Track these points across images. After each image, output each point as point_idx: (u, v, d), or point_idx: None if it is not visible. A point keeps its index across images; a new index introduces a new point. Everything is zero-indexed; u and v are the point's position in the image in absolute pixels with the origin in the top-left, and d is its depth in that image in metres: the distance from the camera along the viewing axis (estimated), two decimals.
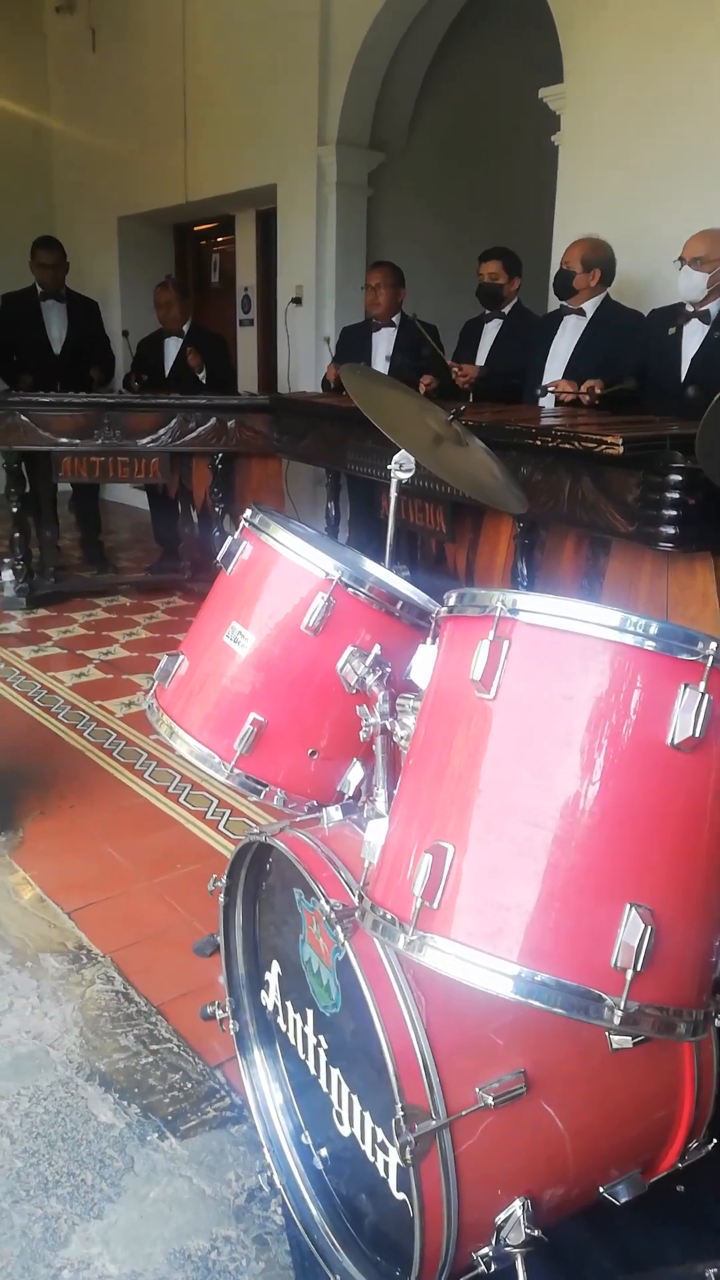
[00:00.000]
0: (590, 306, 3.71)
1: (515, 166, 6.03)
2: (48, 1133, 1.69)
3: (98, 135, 7.56)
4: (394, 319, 4.54)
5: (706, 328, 3.27)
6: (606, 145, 4.14)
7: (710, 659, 1.01)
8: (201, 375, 5.04)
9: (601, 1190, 1.29)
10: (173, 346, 5.23)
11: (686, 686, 1.01)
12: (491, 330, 4.25)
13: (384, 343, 4.55)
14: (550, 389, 3.57)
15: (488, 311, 4.28)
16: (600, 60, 4.12)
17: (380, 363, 4.52)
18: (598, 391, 3.35)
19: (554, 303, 3.99)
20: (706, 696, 1.00)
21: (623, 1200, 1.30)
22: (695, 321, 3.29)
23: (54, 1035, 1.93)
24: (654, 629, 1.02)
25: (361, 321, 4.82)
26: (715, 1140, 1.38)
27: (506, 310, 4.23)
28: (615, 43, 4.05)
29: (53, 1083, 1.81)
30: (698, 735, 1.00)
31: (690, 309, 3.29)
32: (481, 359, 4.22)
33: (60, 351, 5.25)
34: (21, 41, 7.84)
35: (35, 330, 5.20)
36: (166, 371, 5.21)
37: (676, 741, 1.00)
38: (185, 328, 5.23)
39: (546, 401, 3.77)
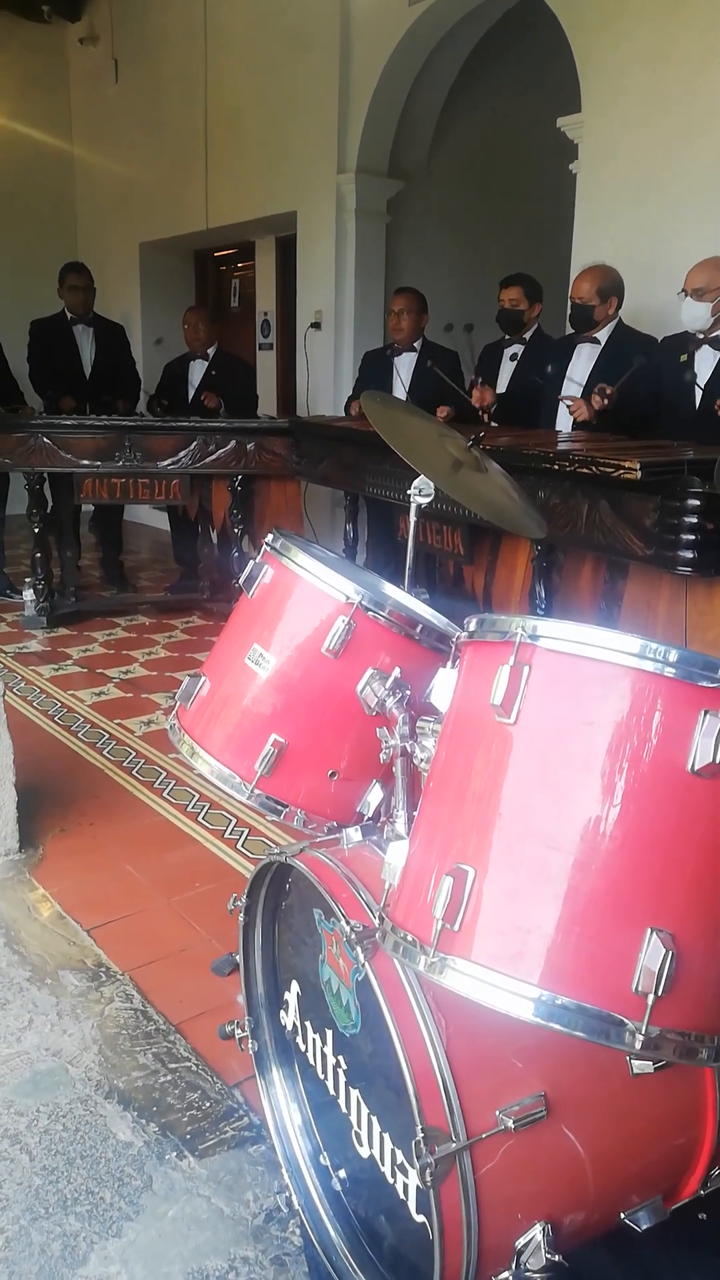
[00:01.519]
0: (604, 333, 3.74)
1: (533, 194, 6.10)
2: (67, 1150, 1.70)
3: (120, 164, 7.70)
4: (415, 344, 4.59)
5: (718, 353, 3.30)
6: (624, 173, 4.19)
7: None
8: (220, 410, 5.08)
9: (623, 1216, 1.29)
10: (198, 370, 5.30)
11: (707, 713, 1.02)
12: (511, 355, 4.28)
13: (405, 368, 4.60)
14: (566, 403, 3.60)
15: (507, 337, 4.31)
16: (618, 90, 4.17)
17: (400, 388, 4.57)
18: (609, 392, 3.38)
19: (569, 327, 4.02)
20: None
21: (644, 1227, 1.29)
22: (706, 348, 3.32)
23: (73, 1053, 1.94)
24: (674, 656, 1.03)
25: (382, 346, 4.87)
26: None
27: (527, 336, 4.27)
28: (633, 73, 4.10)
29: (72, 1100, 1.82)
30: (718, 761, 1.00)
31: (700, 336, 3.32)
32: (502, 384, 4.25)
33: (91, 375, 5.34)
34: (46, 72, 8.02)
35: (68, 354, 5.29)
36: (190, 394, 5.28)
37: (697, 768, 1.01)
38: (210, 351, 5.30)
39: (564, 423, 3.79)
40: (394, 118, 5.65)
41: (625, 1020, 1.00)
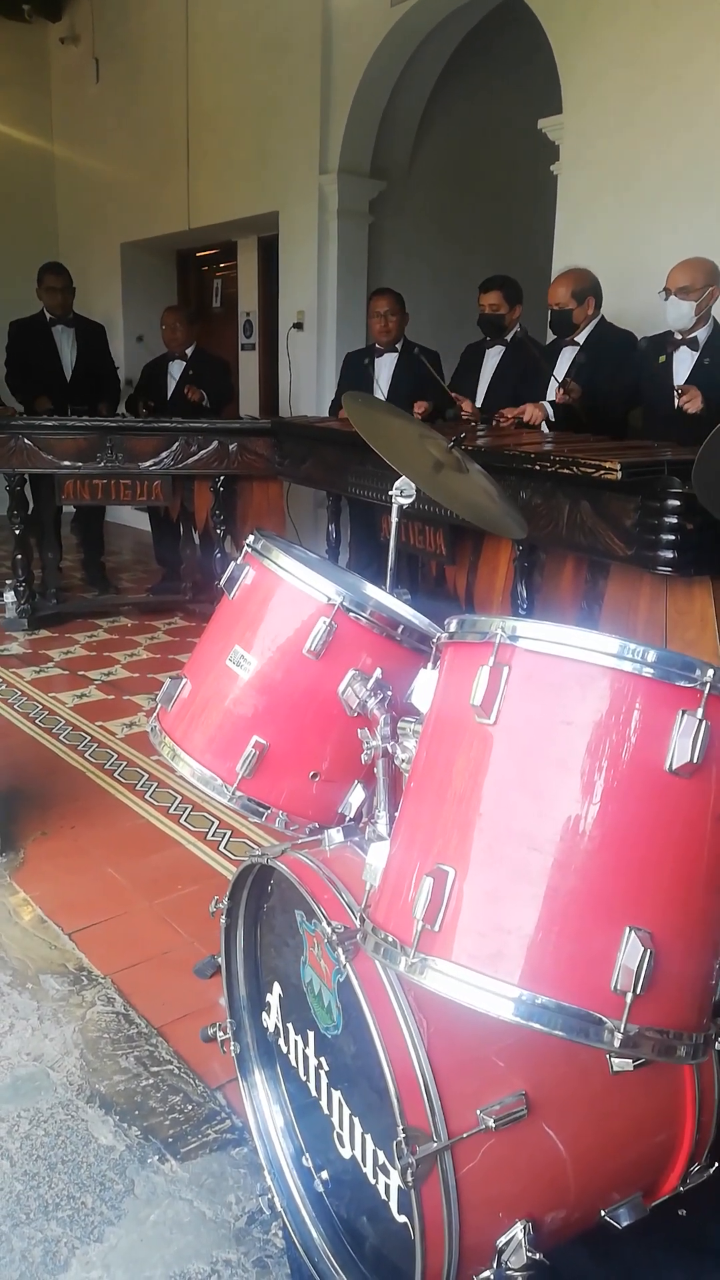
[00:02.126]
0: (583, 335, 3.76)
1: (515, 195, 6.12)
2: (48, 1155, 1.69)
3: (101, 163, 7.67)
4: (396, 345, 4.60)
5: (695, 354, 3.33)
6: (604, 174, 4.21)
7: (708, 686, 1.03)
8: (204, 403, 5.10)
9: (603, 1214, 1.29)
10: (176, 369, 5.29)
11: (684, 713, 1.02)
12: (493, 357, 4.29)
13: (386, 369, 4.60)
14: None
15: (489, 339, 4.32)
16: (598, 91, 4.19)
17: (381, 389, 4.57)
18: (572, 388, 3.54)
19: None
20: (704, 722, 1.02)
21: (624, 1224, 1.30)
22: (684, 349, 3.35)
23: (54, 1057, 1.93)
24: (652, 656, 1.04)
25: (363, 348, 4.87)
26: (717, 1164, 1.38)
27: (508, 338, 4.28)
28: (612, 74, 4.12)
29: (53, 1105, 1.81)
30: (695, 761, 1.01)
31: (679, 336, 3.35)
32: (483, 386, 4.26)
33: (71, 375, 5.31)
34: (27, 71, 7.98)
35: (47, 355, 5.25)
36: (169, 394, 5.27)
37: (674, 767, 1.02)
38: (189, 351, 5.29)
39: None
40: (376, 118, 5.65)
41: (604, 1019, 1.01)
